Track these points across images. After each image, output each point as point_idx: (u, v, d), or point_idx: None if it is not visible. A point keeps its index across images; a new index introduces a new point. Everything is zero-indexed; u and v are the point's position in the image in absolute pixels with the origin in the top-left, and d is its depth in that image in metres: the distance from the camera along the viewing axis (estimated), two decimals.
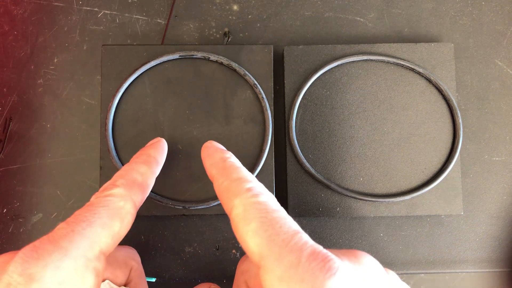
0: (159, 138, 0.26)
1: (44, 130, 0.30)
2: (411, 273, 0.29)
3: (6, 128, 0.30)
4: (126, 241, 0.28)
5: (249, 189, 0.19)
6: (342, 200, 0.28)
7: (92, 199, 0.20)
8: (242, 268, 0.22)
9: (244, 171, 0.21)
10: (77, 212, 0.19)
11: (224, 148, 0.23)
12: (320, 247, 0.16)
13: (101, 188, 0.21)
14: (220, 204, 0.27)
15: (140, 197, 0.22)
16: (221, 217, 0.29)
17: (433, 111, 0.28)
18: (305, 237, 0.17)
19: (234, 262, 0.28)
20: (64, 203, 0.29)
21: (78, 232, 0.18)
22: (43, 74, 0.30)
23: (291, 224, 0.17)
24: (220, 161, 0.22)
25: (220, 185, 0.21)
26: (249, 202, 0.19)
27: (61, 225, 0.18)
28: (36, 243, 0.17)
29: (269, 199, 0.19)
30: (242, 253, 0.29)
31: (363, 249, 0.28)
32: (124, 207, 0.20)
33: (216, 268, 0.28)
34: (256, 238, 0.17)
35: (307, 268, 0.15)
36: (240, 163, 0.22)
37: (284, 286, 0.15)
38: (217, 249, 0.29)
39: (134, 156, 0.24)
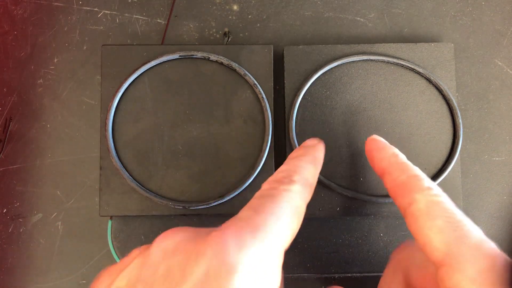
0: (319, 140, 0.24)
1: (44, 130, 0.30)
2: None
3: (6, 128, 0.30)
4: (128, 240, 0.28)
5: (429, 188, 0.19)
6: (342, 200, 0.28)
7: (268, 188, 0.19)
8: (400, 256, 0.22)
9: (420, 170, 0.21)
10: (258, 201, 0.18)
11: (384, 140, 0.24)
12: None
13: (276, 179, 0.20)
14: (220, 204, 0.27)
15: (309, 199, 0.20)
16: (221, 217, 0.29)
17: (433, 111, 0.28)
18: (493, 246, 0.17)
19: None
20: (64, 203, 0.29)
21: (271, 225, 0.17)
22: (43, 74, 0.30)
23: (477, 230, 0.17)
24: (393, 156, 0.22)
25: (395, 179, 0.21)
26: (432, 199, 0.19)
27: (249, 212, 0.17)
28: (237, 229, 0.16)
29: (450, 202, 0.19)
30: None
31: (363, 249, 0.28)
32: (302, 206, 0.19)
33: None
34: (442, 235, 0.17)
35: (501, 274, 0.15)
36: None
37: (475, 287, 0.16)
38: None
39: (300, 153, 0.23)
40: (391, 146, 0.23)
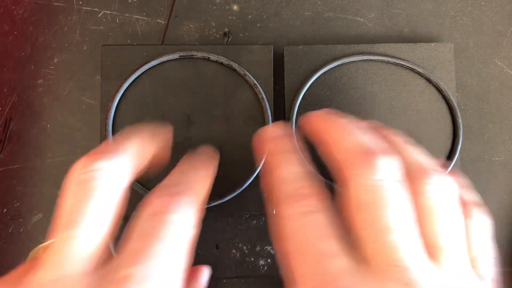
0: (212, 155, 0.22)
1: (44, 130, 0.30)
2: None
3: (6, 128, 0.30)
4: None
5: (285, 197, 0.18)
6: None
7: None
8: None
9: (290, 167, 0.19)
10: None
11: (274, 134, 0.21)
12: (342, 282, 0.15)
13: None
14: (220, 204, 0.27)
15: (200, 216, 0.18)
16: (221, 217, 0.29)
17: (433, 111, 0.28)
18: (333, 263, 0.15)
19: (234, 262, 0.28)
20: None
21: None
22: (43, 74, 0.30)
23: (319, 242, 0.16)
24: (268, 155, 0.20)
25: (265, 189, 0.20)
26: (282, 215, 0.17)
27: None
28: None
29: (303, 206, 0.17)
30: (242, 253, 0.29)
31: None
32: (192, 236, 0.18)
33: (216, 268, 0.28)
34: (289, 261, 0.17)
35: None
36: (287, 148, 0.20)
37: None
38: (217, 249, 0.29)
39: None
40: (272, 138, 0.21)
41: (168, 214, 0.17)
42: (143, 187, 0.27)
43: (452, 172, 0.23)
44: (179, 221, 0.17)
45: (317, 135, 0.20)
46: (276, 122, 0.22)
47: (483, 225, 0.19)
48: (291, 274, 0.16)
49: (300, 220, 0.16)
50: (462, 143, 0.28)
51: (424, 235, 0.16)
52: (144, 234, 0.16)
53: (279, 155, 0.19)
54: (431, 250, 0.16)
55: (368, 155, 0.17)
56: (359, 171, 0.16)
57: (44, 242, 0.18)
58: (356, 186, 0.16)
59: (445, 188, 0.17)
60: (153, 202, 0.17)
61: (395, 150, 0.18)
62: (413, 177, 0.17)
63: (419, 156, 0.19)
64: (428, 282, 0.15)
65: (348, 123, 0.19)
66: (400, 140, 0.20)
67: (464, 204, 0.19)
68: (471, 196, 0.20)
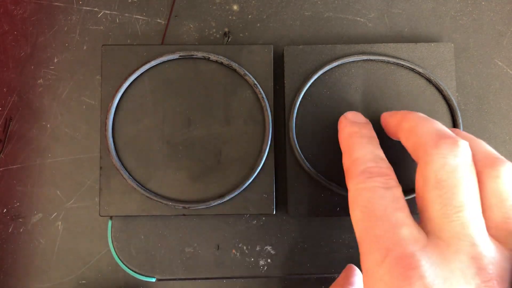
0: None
1: (44, 130, 0.30)
2: None
3: (6, 128, 0.30)
4: (128, 240, 0.28)
5: (362, 172, 0.19)
6: (342, 200, 0.28)
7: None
8: None
9: (366, 148, 0.21)
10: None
11: (356, 120, 0.23)
12: (412, 248, 0.16)
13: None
14: (220, 204, 0.27)
15: None
16: (221, 217, 0.29)
17: (433, 111, 0.28)
18: (402, 232, 0.17)
19: (234, 262, 0.28)
20: (64, 203, 0.29)
21: None
22: (43, 74, 0.30)
23: (392, 216, 0.18)
24: (347, 138, 0.22)
25: (343, 165, 0.21)
26: (357, 188, 0.19)
27: None
28: None
29: (380, 182, 0.19)
30: (242, 253, 0.29)
31: None
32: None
33: (216, 268, 0.28)
34: (357, 226, 0.18)
35: (387, 271, 0.16)
36: (370, 134, 0.22)
37: (369, 281, 0.17)
38: (217, 249, 0.29)
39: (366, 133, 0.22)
40: (353, 123, 0.23)
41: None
42: (146, 188, 0.27)
43: None
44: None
45: (396, 125, 0.22)
46: (355, 112, 0.25)
47: None
48: (361, 239, 0.18)
49: (380, 192, 0.19)
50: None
51: (490, 217, 0.18)
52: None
53: (364, 137, 0.22)
54: (498, 232, 0.18)
55: (450, 138, 0.19)
56: (442, 151, 0.18)
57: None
58: (437, 165, 0.18)
59: None
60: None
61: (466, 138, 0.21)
62: (483, 164, 0.19)
63: (487, 146, 0.21)
64: (493, 258, 0.16)
65: (421, 115, 0.22)
66: (465, 132, 0.23)
67: None
68: None
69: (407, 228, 0.17)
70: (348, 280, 0.24)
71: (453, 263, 0.16)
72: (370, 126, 0.23)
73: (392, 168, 0.20)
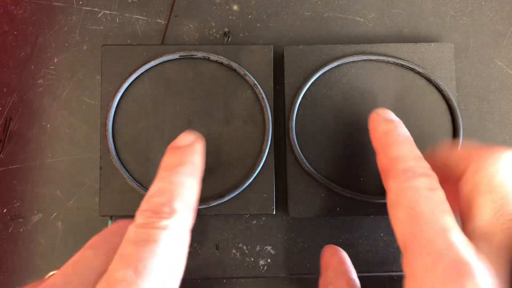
0: (194, 136, 0.21)
1: (44, 130, 0.30)
2: None
3: (6, 128, 0.30)
4: None
5: (405, 171, 0.19)
6: (342, 200, 0.28)
7: (143, 225, 0.16)
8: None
9: (406, 147, 0.20)
10: (134, 250, 0.16)
11: (391, 117, 0.22)
12: (465, 254, 0.16)
13: (153, 208, 0.17)
14: (220, 204, 0.27)
15: (192, 223, 0.18)
16: (221, 217, 0.29)
17: (433, 111, 0.28)
18: (453, 237, 0.16)
19: (234, 262, 0.28)
20: (64, 203, 0.29)
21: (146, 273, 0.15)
22: (43, 74, 0.30)
23: (440, 218, 0.17)
24: (383, 135, 0.21)
25: (380, 163, 0.20)
26: (401, 186, 0.18)
27: (127, 272, 0.15)
28: None
29: (424, 183, 0.18)
30: (242, 253, 0.29)
31: (363, 249, 0.28)
32: (186, 241, 0.17)
33: (216, 268, 0.28)
34: (400, 228, 0.17)
35: (439, 277, 0.15)
36: (406, 133, 0.21)
37: (416, 285, 0.16)
38: (217, 249, 0.29)
39: (176, 161, 0.19)
40: (387, 121, 0.22)
41: (153, 235, 0.16)
42: (142, 186, 0.27)
43: None
44: (165, 239, 0.16)
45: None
46: (385, 109, 0.24)
47: None
48: (407, 241, 0.17)
49: (426, 193, 0.18)
50: (462, 143, 0.28)
51: None
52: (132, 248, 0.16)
53: (402, 135, 0.21)
54: None
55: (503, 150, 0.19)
56: (493, 159, 0.18)
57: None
58: (491, 173, 0.18)
59: None
60: (137, 218, 0.17)
61: None
62: None
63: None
64: None
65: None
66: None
67: None
68: None
69: (458, 232, 0.16)
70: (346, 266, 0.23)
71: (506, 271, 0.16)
72: (403, 125, 0.22)
73: (432, 169, 0.19)
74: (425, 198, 0.17)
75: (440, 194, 0.18)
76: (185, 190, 0.18)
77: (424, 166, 0.19)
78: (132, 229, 0.17)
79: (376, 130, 0.22)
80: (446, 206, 0.18)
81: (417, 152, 0.20)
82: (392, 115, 0.23)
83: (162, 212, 0.17)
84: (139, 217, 0.17)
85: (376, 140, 0.22)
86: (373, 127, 0.23)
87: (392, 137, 0.21)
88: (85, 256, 0.17)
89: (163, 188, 0.18)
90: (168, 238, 0.16)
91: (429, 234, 0.16)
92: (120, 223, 0.19)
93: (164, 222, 0.16)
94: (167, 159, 0.20)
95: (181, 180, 0.18)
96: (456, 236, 0.16)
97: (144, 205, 0.18)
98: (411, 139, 0.21)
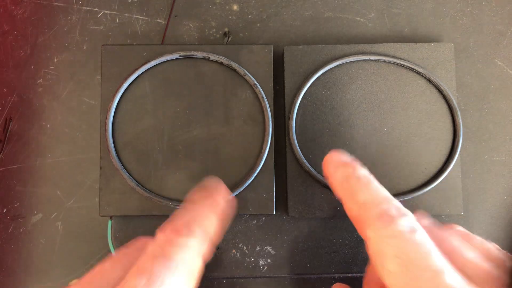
0: (219, 180, 0.22)
1: (44, 130, 0.30)
2: None
3: (6, 128, 0.30)
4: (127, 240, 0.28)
5: (379, 217, 0.17)
6: None
7: (164, 242, 0.17)
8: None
9: (372, 189, 0.19)
10: (151, 262, 0.16)
11: (345, 160, 0.21)
12: None
13: (174, 227, 0.18)
14: None
15: (209, 257, 0.18)
16: None
17: (433, 111, 0.28)
18: (449, 279, 0.15)
19: (234, 262, 0.28)
20: (64, 203, 0.29)
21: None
22: (43, 74, 0.30)
23: (430, 261, 0.16)
24: (344, 182, 0.20)
25: (349, 212, 0.19)
26: (382, 235, 0.17)
27: (141, 281, 0.16)
28: None
29: (404, 226, 0.17)
30: (242, 253, 0.29)
31: (363, 249, 0.28)
32: (199, 266, 0.17)
33: (216, 268, 0.28)
34: (393, 280, 0.16)
35: None
36: (366, 173, 0.20)
37: None
38: (217, 249, 0.29)
39: (201, 196, 0.20)
40: (346, 163, 0.21)
41: (168, 251, 0.17)
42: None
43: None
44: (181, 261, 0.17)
45: None
46: (338, 150, 0.22)
47: None
48: None
49: (407, 237, 0.17)
50: (462, 143, 0.28)
51: None
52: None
53: (363, 177, 0.20)
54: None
55: None
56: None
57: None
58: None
59: None
60: (157, 235, 0.18)
61: None
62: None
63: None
64: None
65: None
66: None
67: None
68: None
69: (451, 273, 0.16)
70: None
71: None
72: (359, 163, 0.21)
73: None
74: (411, 244, 0.16)
75: (421, 233, 0.17)
76: (205, 219, 0.19)
77: (397, 206, 0.18)
78: (151, 245, 0.17)
79: (334, 177, 0.21)
80: (430, 243, 0.17)
81: (384, 192, 0.19)
82: (345, 157, 0.21)
83: (181, 231, 0.18)
84: (159, 234, 0.18)
85: (337, 188, 0.20)
86: (330, 174, 0.21)
87: (354, 180, 0.19)
88: (104, 268, 0.18)
89: (184, 214, 0.19)
90: (183, 256, 0.17)
91: (423, 282, 0.16)
92: (142, 240, 0.20)
93: (181, 240, 0.17)
94: (196, 193, 0.21)
95: (203, 211, 0.19)
96: (451, 277, 0.16)
97: (165, 225, 0.18)
98: (373, 177, 0.20)
